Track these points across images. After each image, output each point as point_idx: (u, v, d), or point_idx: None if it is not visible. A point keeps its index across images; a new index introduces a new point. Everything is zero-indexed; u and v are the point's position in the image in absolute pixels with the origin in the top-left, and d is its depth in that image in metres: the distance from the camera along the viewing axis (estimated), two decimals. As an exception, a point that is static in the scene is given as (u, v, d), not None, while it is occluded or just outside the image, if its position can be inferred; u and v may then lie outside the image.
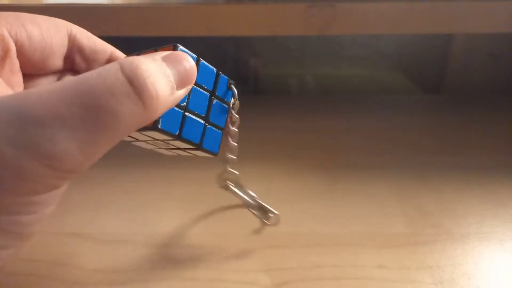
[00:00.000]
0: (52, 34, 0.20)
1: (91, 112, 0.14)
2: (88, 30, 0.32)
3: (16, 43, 0.19)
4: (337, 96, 0.48)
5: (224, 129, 0.22)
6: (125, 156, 0.33)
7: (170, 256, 0.24)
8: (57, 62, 0.21)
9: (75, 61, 0.21)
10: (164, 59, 0.17)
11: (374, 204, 0.29)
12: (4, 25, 0.18)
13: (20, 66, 0.19)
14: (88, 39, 0.21)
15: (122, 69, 0.15)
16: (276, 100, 0.45)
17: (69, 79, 0.15)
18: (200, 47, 0.50)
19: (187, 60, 0.17)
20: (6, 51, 0.18)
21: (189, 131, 0.20)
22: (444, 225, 0.27)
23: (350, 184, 0.31)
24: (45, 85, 0.19)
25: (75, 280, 0.22)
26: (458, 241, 0.25)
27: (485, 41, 0.48)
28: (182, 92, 0.17)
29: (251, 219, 0.27)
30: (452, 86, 0.50)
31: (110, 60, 0.22)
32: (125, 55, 0.22)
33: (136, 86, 0.15)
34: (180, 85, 0.17)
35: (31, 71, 0.20)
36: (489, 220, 0.27)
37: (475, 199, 0.29)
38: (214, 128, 0.21)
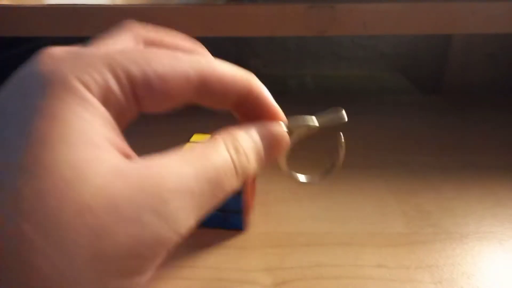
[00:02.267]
0: (180, 90, 0.17)
1: (211, 187, 0.16)
2: (88, 30, 0.32)
3: (133, 92, 0.16)
4: (337, 96, 0.48)
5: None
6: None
7: (169, 255, 0.24)
8: (177, 105, 0.18)
9: (201, 101, 0.19)
10: (262, 136, 0.19)
11: (373, 204, 0.29)
12: (125, 72, 0.16)
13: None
14: (221, 84, 0.18)
15: (229, 150, 0.17)
16: (276, 100, 0.45)
17: (190, 153, 0.16)
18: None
19: (283, 141, 0.20)
20: (125, 107, 0.16)
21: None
22: (443, 225, 0.27)
23: (349, 184, 0.31)
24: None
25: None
26: (457, 241, 0.25)
27: (484, 41, 0.48)
28: (269, 160, 0.20)
29: (251, 219, 0.27)
30: (451, 86, 0.50)
31: (245, 98, 0.19)
32: (264, 93, 0.21)
33: (236, 168, 0.17)
34: (268, 159, 0.19)
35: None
36: (488, 219, 0.27)
37: (474, 199, 0.29)
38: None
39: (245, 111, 0.20)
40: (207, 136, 0.24)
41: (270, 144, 0.19)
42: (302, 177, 0.23)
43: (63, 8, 0.34)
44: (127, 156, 0.16)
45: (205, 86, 0.18)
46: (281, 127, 0.20)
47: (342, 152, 0.24)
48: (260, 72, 0.52)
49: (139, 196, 0.14)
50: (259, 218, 0.27)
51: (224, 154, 0.17)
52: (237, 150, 0.17)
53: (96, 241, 0.13)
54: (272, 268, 0.23)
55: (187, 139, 0.27)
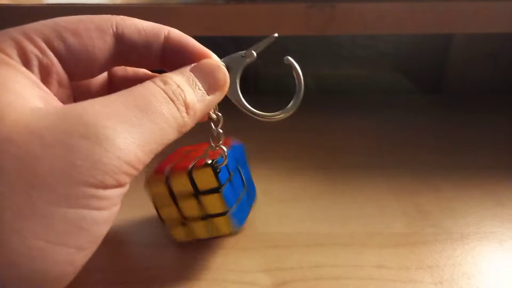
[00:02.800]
0: (95, 42, 0.18)
1: (144, 111, 0.16)
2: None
3: (56, 56, 0.18)
4: (337, 96, 0.48)
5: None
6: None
7: (169, 256, 0.24)
8: (104, 64, 0.19)
9: (128, 58, 0.20)
10: (192, 69, 0.19)
11: (373, 204, 0.29)
12: (41, 38, 0.17)
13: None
14: (139, 33, 0.19)
15: (157, 83, 0.17)
16: (276, 100, 0.45)
17: (118, 93, 0.16)
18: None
19: (213, 65, 0.19)
20: (48, 65, 0.18)
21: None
22: (443, 225, 0.27)
23: (349, 184, 0.31)
24: (96, 86, 0.22)
25: (74, 280, 0.22)
26: (457, 241, 0.25)
27: (485, 41, 0.48)
28: (216, 97, 0.19)
29: (251, 219, 0.27)
30: (451, 86, 0.50)
31: (166, 42, 0.20)
32: (185, 37, 0.21)
33: (169, 95, 0.17)
34: (211, 90, 0.19)
35: (80, 78, 0.20)
36: (488, 220, 0.27)
37: (475, 199, 0.29)
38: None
39: (173, 63, 0.20)
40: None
41: (205, 75, 0.19)
42: (264, 114, 0.22)
43: (62, 8, 0.34)
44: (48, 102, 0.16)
45: (123, 38, 0.19)
46: (211, 59, 0.20)
47: (299, 76, 0.24)
48: (260, 72, 0.52)
49: (62, 124, 0.14)
50: (259, 218, 0.27)
51: (151, 85, 0.17)
52: (165, 82, 0.18)
53: (24, 168, 0.13)
54: (272, 268, 0.23)
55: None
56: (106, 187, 0.15)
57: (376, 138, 0.38)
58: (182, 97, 0.18)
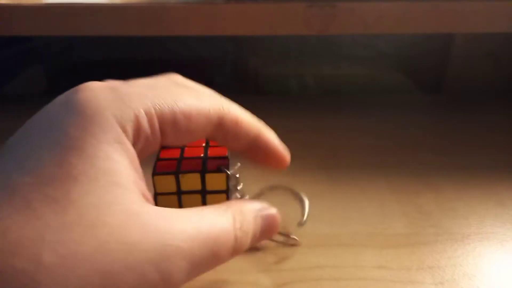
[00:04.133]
0: (200, 127, 0.19)
1: (210, 255, 0.17)
2: (87, 29, 0.32)
3: (161, 132, 0.18)
4: (337, 96, 0.48)
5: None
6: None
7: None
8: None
9: (214, 138, 0.21)
10: (261, 211, 0.20)
11: (374, 204, 0.29)
12: (157, 117, 0.17)
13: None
14: (236, 127, 0.20)
15: (235, 226, 0.18)
16: (276, 100, 0.45)
17: (203, 219, 0.17)
18: (200, 47, 0.50)
19: (275, 226, 0.21)
20: (150, 140, 0.18)
21: None
22: (444, 225, 0.26)
23: (350, 184, 0.31)
24: None
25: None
26: (458, 242, 0.25)
27: (485, 41, 0.47)
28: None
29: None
30: (452, 86, 0.50)
31: (254, 142, 0.22)
32: (271, 139, 0.22)
33: (236, 247, 0.18)
34: (261, 238, 0.20)
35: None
36: (490, 220, 0.27)
37: (476, 199, 0.29)
38: None
39: (255, 154, 0.22)
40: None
41: (267, 227, 0.20)
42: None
43: (62, 7, 0.34)
44: (146, 198, 0.17)
45: (222, 125, 0.20)
46: (276, 216, 0.21)
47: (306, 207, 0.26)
48: (260, 71, 0.52)
49: (148, 246, 0.15)
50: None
51: (229, 229, 0.18)
52: (241, 228, 0.18)
53: (102, 284, 0.14)
54: (272, 269, 0.23)
55: None
56: None
57: (376, 138, 0.38)
58: (243, 247, 0.19)
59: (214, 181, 0.23)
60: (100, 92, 0.16)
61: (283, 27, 0.34)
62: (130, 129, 0.16)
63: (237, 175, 0.24)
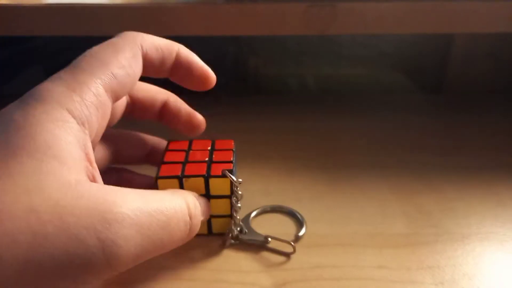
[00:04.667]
0: (134, 68, 0.21)
1: (163, 230, 0.18)
2: (87, 29, 0.32)
3: (108, 93, 0.20)
4: (337, 96, 0.48)
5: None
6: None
7: (169, 256, 0.24)
8: (135, 83, 0.22)
9: (146, 72, 0.23)
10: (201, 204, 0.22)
11: (374, 204, 0.29)
12: (97, 83, 0.19)
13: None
14: (157, 51, 0.22)
15: (188, 204, 0.20)
16: (276, 100, 0.45)
17: (152, 194, 0.19)
18: (200, 47, 0.50)
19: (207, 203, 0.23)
20: (105, 111, 0.20)
21: None
22: (444, 225, 0.26)
23: (350, 184, 0.31)
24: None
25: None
26: (458, 242, 0.25)
27: (485, 41, 0.47)
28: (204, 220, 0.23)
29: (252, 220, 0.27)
30: (452, 86, 0.50)
31: (177, 61, 0.23)
32: (192, 55, 0.24)
33: (191, 225, 0.20)
34: (204, 215, 0.23)
35: (116, 100, 0.22)
36: (490, 220, 0.27)
37: (476, 199, 0.29)
38: None
39: (180, 75, 0.24)
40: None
41: (204, 207, 0.23)
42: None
43: (62, 7, 0.34)
44: (92, 178, 0.18)
45: (146, 57, 0.22)
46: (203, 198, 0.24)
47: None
48: (260, 71, 0.52)
49: (85, 213, 0.15)
50: (259, 219, 0.27)
51: (182, 207, 0.20)
52: (195, 206, 0.21)
53: (32, 245, 0.14)
54: (272, 269, 0.23)
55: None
56: (85, 283, 0.16)
57: (376, 138, 0.38)
58: (194, 223, 0.21)
59: (218, 186, 0.23)
60: (45, 86, 0.18)
61: (283, 27, 0.34)
62: (75, 108, 0.18)
63: (240, 180, 0.24)
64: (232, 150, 0.26)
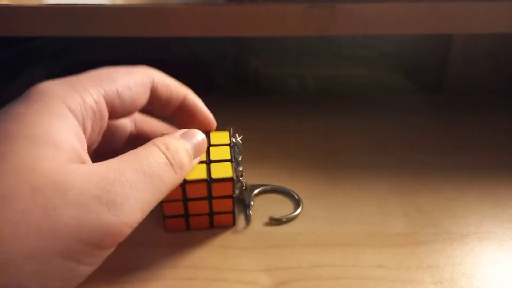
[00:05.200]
0: (140, 94, 0.23)
1: (148, 176, 0.19)
2: (88, 30, 0.32)
3: (108, 105, 0.21)
4: (337, 96, 0.48)
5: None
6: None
7: (169, 255, 0.24)
8: (139, 108, 0.24)
9: (151, 105, 0.24)
10: (182, 136, 0.23)
11: (373, 204, 0.29)
12: (99, 91, 0.21)
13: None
14: (166, 89, 0.24)
15: (160, 147, 0.21)
16: (276, 100, 0.45)
17: (129, 155, 0.20)
18: (200, 47, 0.50)
19: (199, 134, 0.23)
20: (101, 119, 0.21)
21: None
22: (443, 225, 0.27)
23: (350, 184, 0.31)
24: (125, 123, 0.27)
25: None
26: (457, 241, 0.25)
27: (485, 41, 0.48)
28: (197, 160, 0.23)
29: (252, 219, 0.27)
30: (452, 86, 0.50)
31: (183, 103, 0.25)
32: (198, 101, 0.26)
33: (170, 161, 0.21)
34: (195, 155, 0.23)
35: (115, 118, 0.23)
36: (488, 220, 0.27)
37: (475, 199, 0.29)
38: None
39: (184, 116, 0.26)
40: (224, 133, 0.25)
41: (196, 144, 0.23)
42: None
43: (62, 8, 0.34)
44: (82, 162, 0.19)
45: (155, 89, 0.23)
46: (200, 133, 0.24)
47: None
48: (260, 72, 0.52)
49: (85, 185, 0.17)
50: (259, 218, 0.27)
51: (155, 150, 0.20)
52: (167, 147, 0.21)
53: (43, 217, 0.16)
54: (272, 268, 0.23)
55: None
56: (105, 247, 0.18)
57: (376, 138, 0.38)
58: (180, 162, 0.21)
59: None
60: (49, 83, 0.20)
61: (283, 28, 0.34)
62: (75, 106, 0.19)
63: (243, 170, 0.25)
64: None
